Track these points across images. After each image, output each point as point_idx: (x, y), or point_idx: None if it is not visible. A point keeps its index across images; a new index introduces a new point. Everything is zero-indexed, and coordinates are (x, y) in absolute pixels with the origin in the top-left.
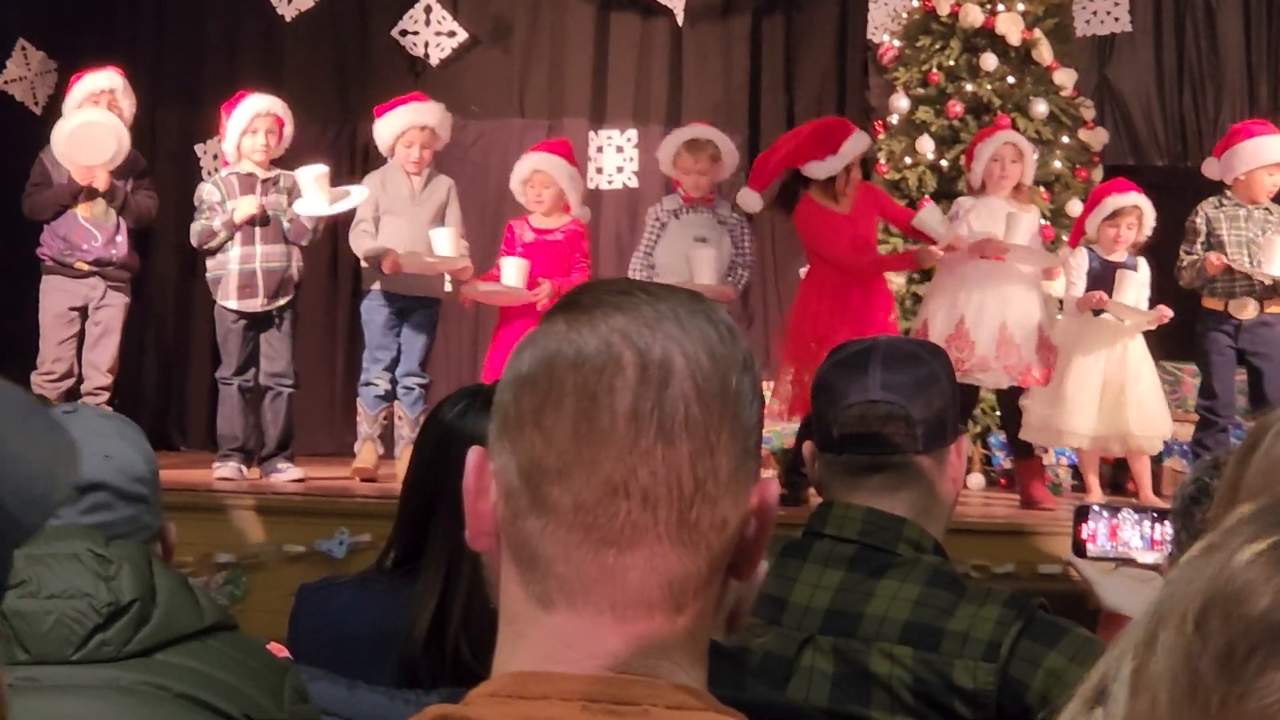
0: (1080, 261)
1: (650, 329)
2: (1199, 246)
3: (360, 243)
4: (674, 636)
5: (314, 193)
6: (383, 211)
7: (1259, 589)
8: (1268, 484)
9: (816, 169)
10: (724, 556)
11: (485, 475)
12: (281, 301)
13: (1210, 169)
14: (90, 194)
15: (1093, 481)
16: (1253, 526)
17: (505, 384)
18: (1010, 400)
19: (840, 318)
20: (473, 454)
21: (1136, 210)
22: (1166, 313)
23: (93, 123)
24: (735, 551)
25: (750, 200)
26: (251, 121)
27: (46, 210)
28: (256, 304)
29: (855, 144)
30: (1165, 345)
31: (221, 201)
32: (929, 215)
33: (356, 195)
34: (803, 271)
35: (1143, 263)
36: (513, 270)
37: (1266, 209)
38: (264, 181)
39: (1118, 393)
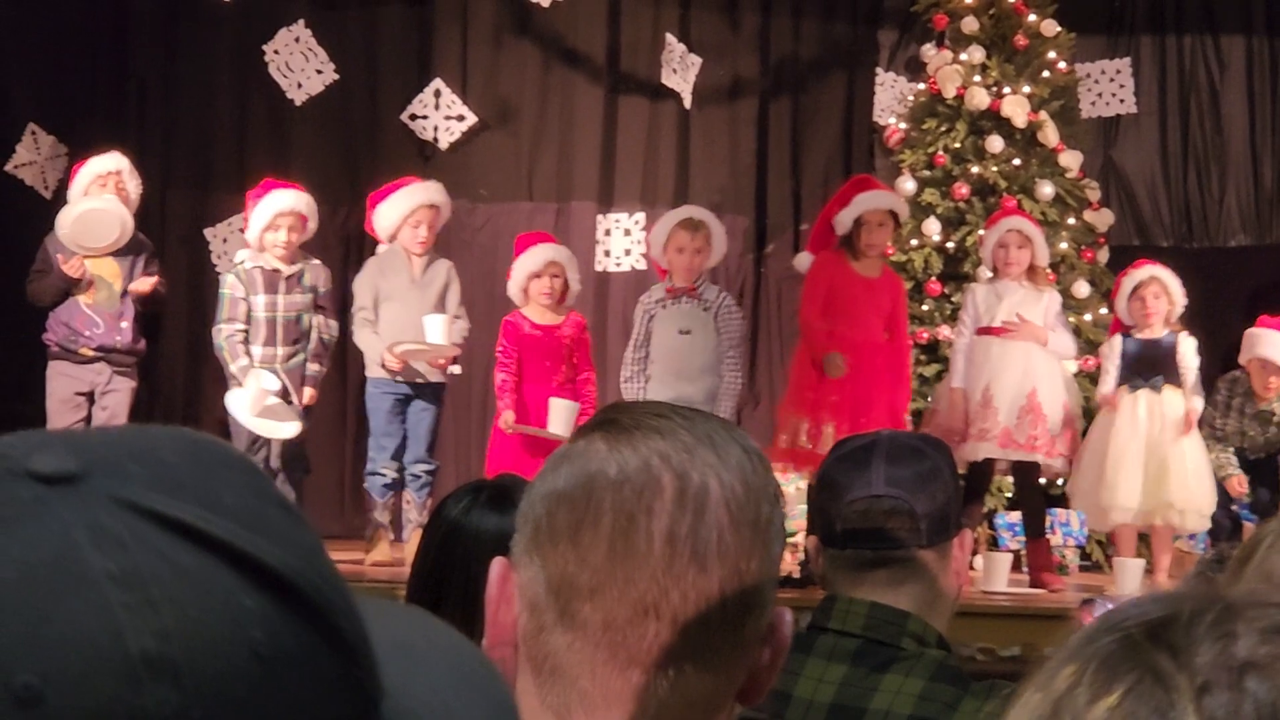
0: (1112, 350)
1: (689, 454)
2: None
3: (360, 333)
4: None
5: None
6: (383, 298)
7: None
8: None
9: (837, 223)
10: (739, 680)
11: (509, 586)
12: (297, 407)
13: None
14: (96, 270)
15: (1160, 569)
16: (1090, 676)
17: (538, 497)
18: (1027, 478)
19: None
20: (496, 565)
21: (1156, 281)
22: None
23: (97, 209)
24: (748, 678)
25: (803, 261)
26: (274, 219)
27: (47, 296)
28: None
29: (867, 198)
30: None
31: (245, 296)
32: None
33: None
34: None
35: (1184, 338)
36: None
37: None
38: (287, 279)
39: (1159, 466)
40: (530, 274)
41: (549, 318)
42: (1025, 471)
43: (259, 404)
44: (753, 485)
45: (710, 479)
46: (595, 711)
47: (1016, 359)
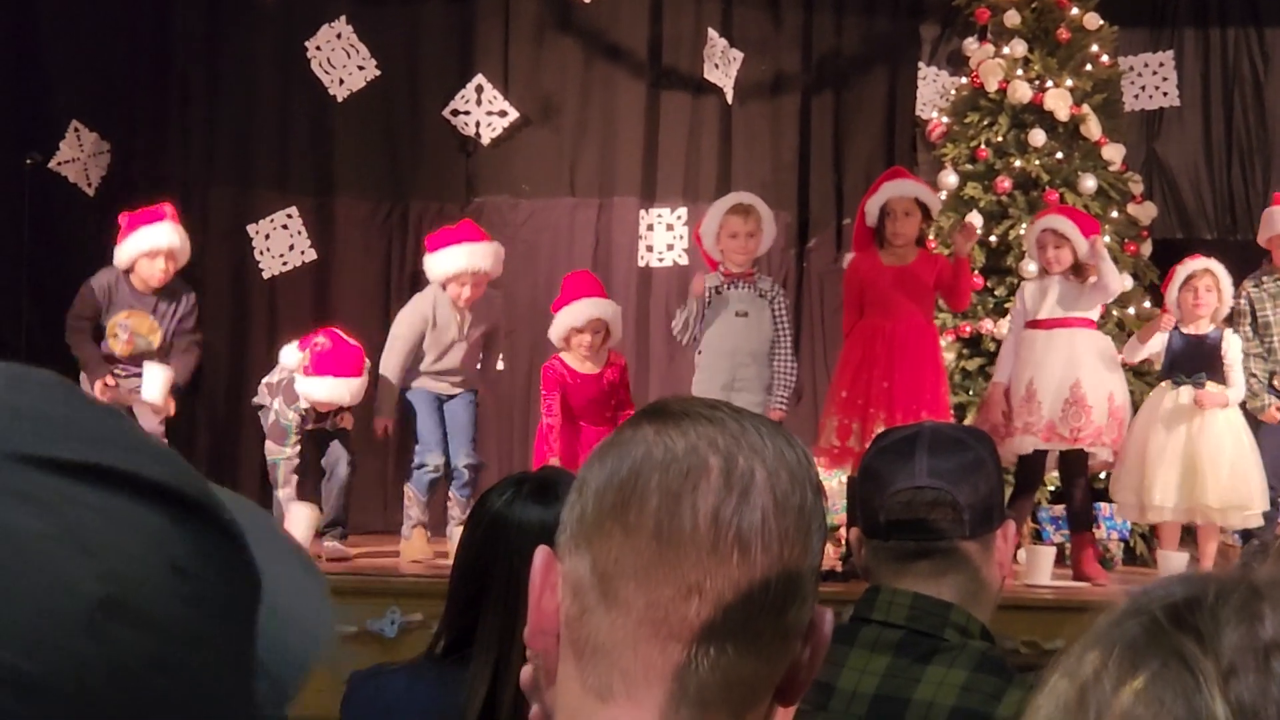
0: (1157, 340)
1: (735, 440)
2: (1247, 328)
3: (386, 361)
4: None
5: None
6: (429, 343)
7: None
8: None
9: (866, 213)
10: (779, 671)
11: (552, 574)
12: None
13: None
14: (134, 323)
15: (1205, 563)
16: (1115, 661)
17: (585, 485)
18: (1073, 471)
19: (877, 357)
20: (540, 553)
21: (1209, 273)
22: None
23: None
24: (786, 674)
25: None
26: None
27: (81, 355)
28: (324, 424)
29: (891, 186)
30: None
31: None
32: None
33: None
34: None
35: (1229, 335)
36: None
37: None
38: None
39: (1195, 464)
40: (573, 328)
41: (588, 367)
42: (1071, 463)
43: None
44: (797, 474)
45: (756, 464)
46: (636, 689)
47: (1060, 351)
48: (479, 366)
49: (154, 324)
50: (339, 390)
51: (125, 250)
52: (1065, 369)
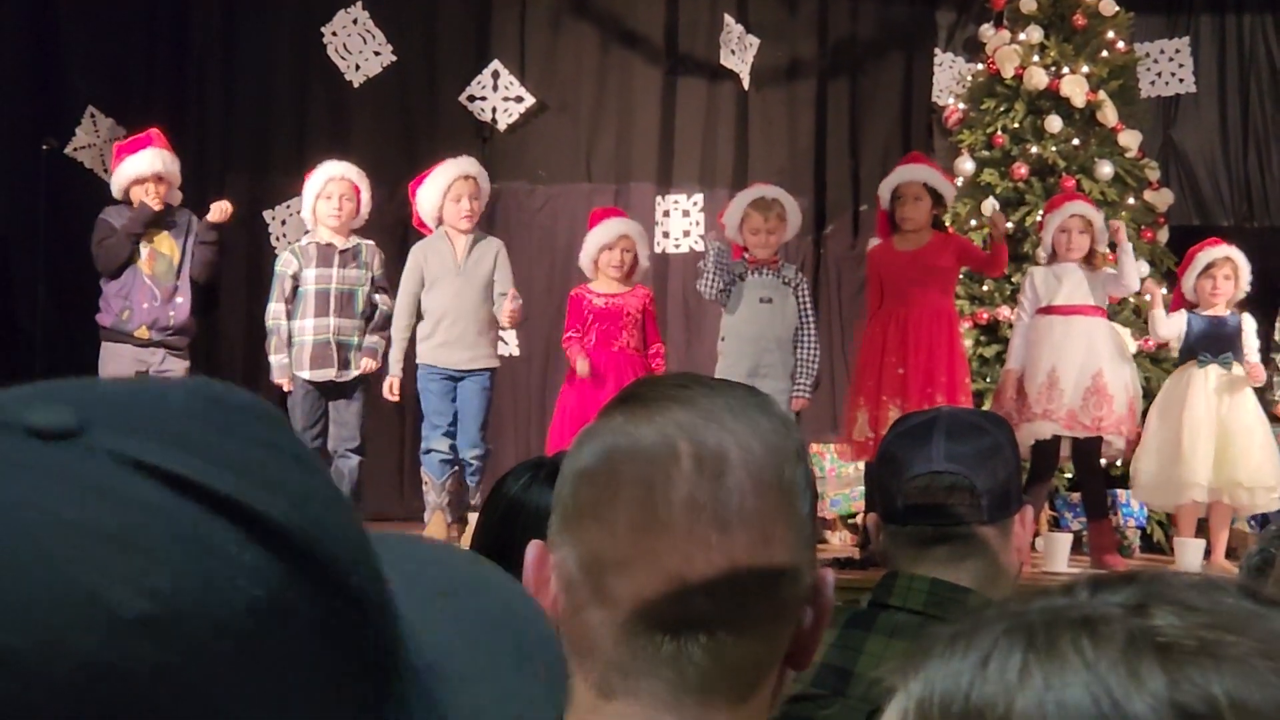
0: (1178, 324)
1: (706, 421)
2: None
3: (396, 322)
4: None
5: None
6: (428, 282)
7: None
8: None
9: (880, 198)
10: (782, 646)
11: (545, 568)
12: (354, 373)
13: None
14: (156, 223)
15: (1218, 549)
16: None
17: (564, 477)
18: (1088, 459)
19: (890, 343)
20: (532, 548)
21: (1230, 262)
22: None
23: None
24: (793, 642)
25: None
26: (325, 185)
27: (121, 253)
28: (330, 374)
29: (902, 170)
30: None
31: (296, 272)
32: None
33: None
34: None
35: (1247, 318)
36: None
37: None
38: (342, 252)
39: (1227, 443)
40: (602, 246)
41: (615, 288)
42: (1086, 452)
43: None
44: (773, 446)
45: (728, 443)
46: (635, 684)
47: (1080, 339)
48: (496, 319)
49: (172, 242)
50: (335, 168)
51: (116, 182)
52: (1087, 357)
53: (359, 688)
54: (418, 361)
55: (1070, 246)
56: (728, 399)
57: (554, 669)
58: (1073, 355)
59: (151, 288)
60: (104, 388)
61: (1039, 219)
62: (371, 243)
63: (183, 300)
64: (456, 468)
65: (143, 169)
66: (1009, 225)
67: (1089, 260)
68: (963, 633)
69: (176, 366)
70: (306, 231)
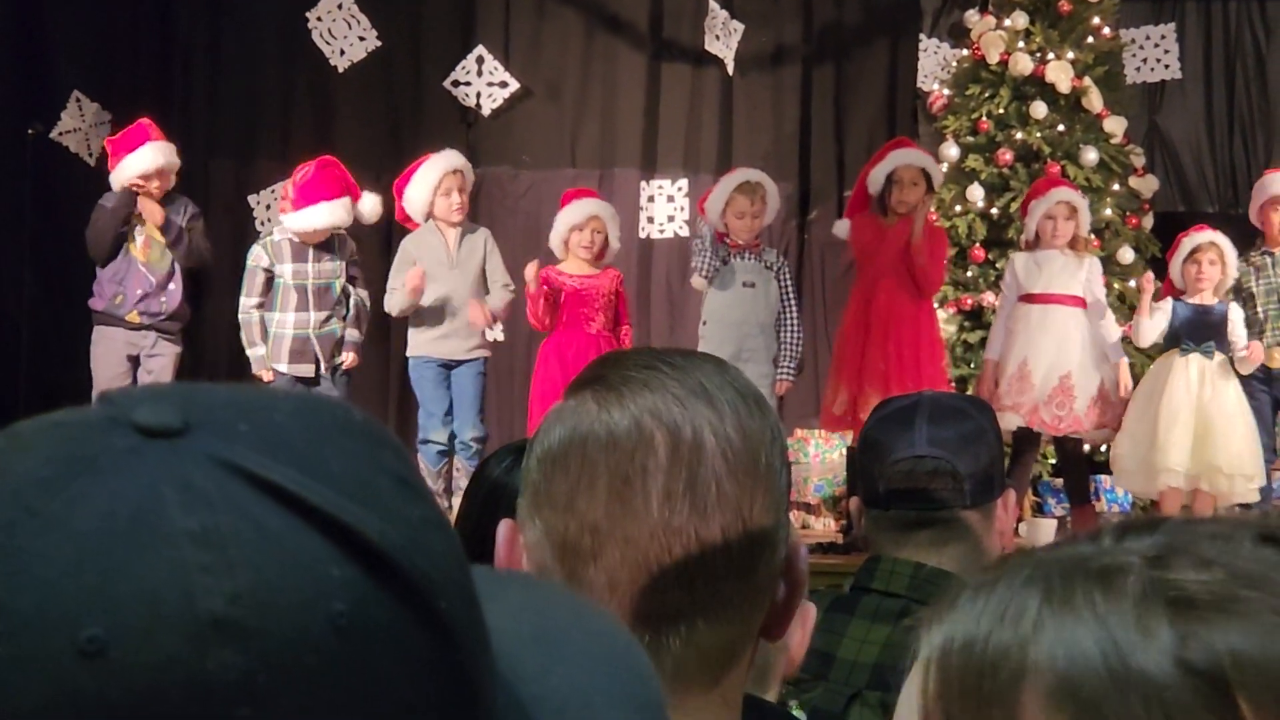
0: (1164, 311)
1: (680, 405)
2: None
3: (391, 301)
4: (709, 707)
5: None
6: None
7: None
8: None
9: (871, 180)
10: (756, 624)
11: (516, 549)
12: (338, 365)
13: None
14: (143, 211)
15: None
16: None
17: (535, 458)
18: (1068, 446)
19: (870, 339)
20: (503, 527)
21: (1214, 247)
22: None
23: None
24: (767, 615)
25: (842, 228)
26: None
27: (108, 235)
28: (308, 370)
29: (901, 154)
30: None
31: (269, 266)
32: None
33: None
34: None
35: (1234, 308)
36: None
37: None
38: (316, 247)
39: (1208, 430)
40: (571, 226)
41: (586, 269)
42: (1065, 441)
43: None
44: (749, 429)
45: (704, 430)
46: None
47: (1054, 331)
48: (486, 307)
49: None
50: (326, 214)
51: (119, 179)
52: (1058, 355)
53: (442, 714)
54: (410, 354)
55: (1056, 233)
56: (699, 378)
57: (653, 709)
58: (1045, 349)
59: (145, 274)
60: (214, 392)
61: (1024, 205)
62: (343, 232)
63: (175, 286)
64: (451, 458)
65: (146, 166)
66: (993, 212)
67: (1073, 246)
68: (985, 583)
69: (167, 350)
70: (277, 224)
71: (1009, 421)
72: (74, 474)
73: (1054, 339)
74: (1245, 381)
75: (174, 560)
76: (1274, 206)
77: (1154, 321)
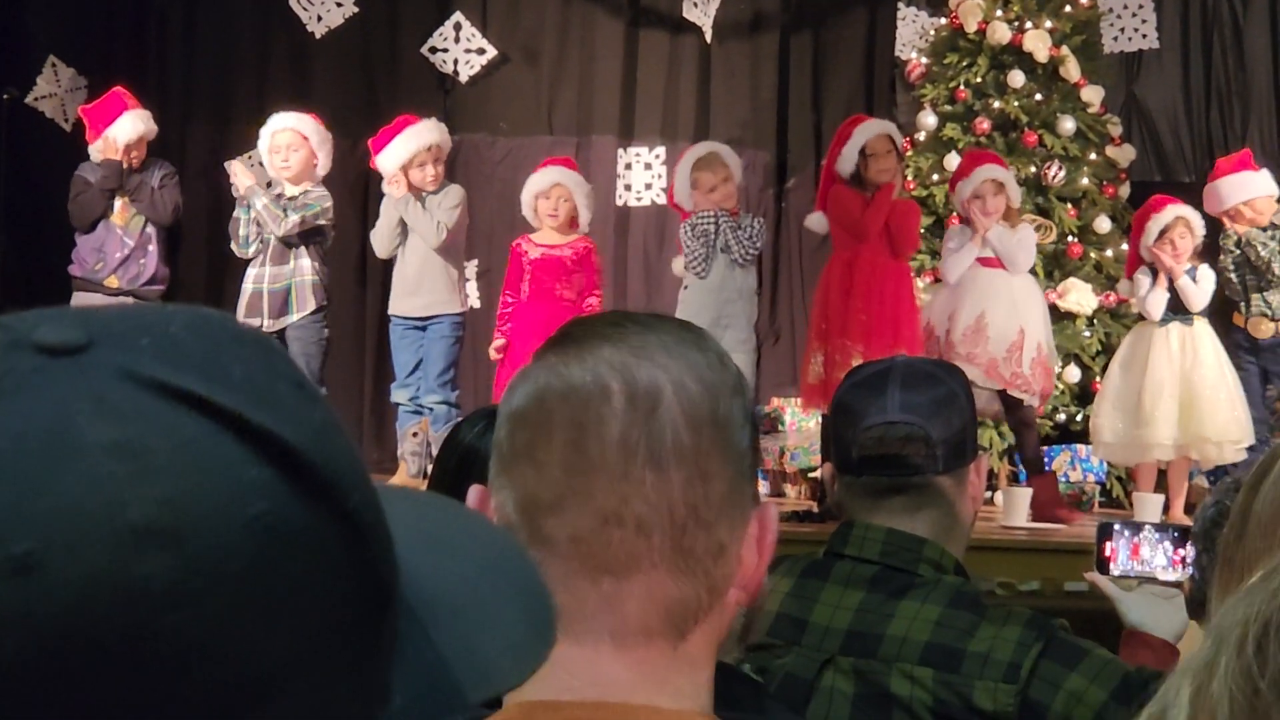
0: (1141, 281)
1: (637, 358)
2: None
3: (376, 242)
4: (676, 662)
5: None
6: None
7: None
8: (1278, 512)
9: (841, 166)
10: (725, 582)
11: (486, 512)
12: (289, 319)
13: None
14: (128, 180)
15: (1176, 504)
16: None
17: (500, 420)
18: (1019, 417)
19: (853, 295)
20: (473, 493)
21: (1182, 220)
22: None
23: None
24: (739, 578)
25: (816, 222)
26: (272, 138)
27: (94, 208)
28: (260, 323)
29: (866, 127)
30: None
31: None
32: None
33: None
34: None
35: (1204, 269)
36: None
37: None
38: (291, 198)
39: (1193, 399)
40: (537, 194)
41: (554, 238)
42: (1014, 409)
43: None
44: (709, 381)
45: (661, 379)
46: (576, 626)
47: (1003, 293)
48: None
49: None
50: (285, 120)
51: (99, 149)
52: (1010, 312)
53: (358, 610)
54: (389, 313)
55: (987, 210)
56: (660, 335)
57: (541, 608)
58: (1000, 305)
59: (123, 238)
60: (109, 311)
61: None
62: (322, 190)
63: (154, 248)
64: (425, 417)
65: (129, 135)
66: None
67: (1006, 216)
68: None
69: None
70: (269, 183)
71: (968, 374)
72: None
73: (1005, 300)
74: (1233, 353)
75: (93, 473)
76: (1238, 209)
77: (1157, 299)
